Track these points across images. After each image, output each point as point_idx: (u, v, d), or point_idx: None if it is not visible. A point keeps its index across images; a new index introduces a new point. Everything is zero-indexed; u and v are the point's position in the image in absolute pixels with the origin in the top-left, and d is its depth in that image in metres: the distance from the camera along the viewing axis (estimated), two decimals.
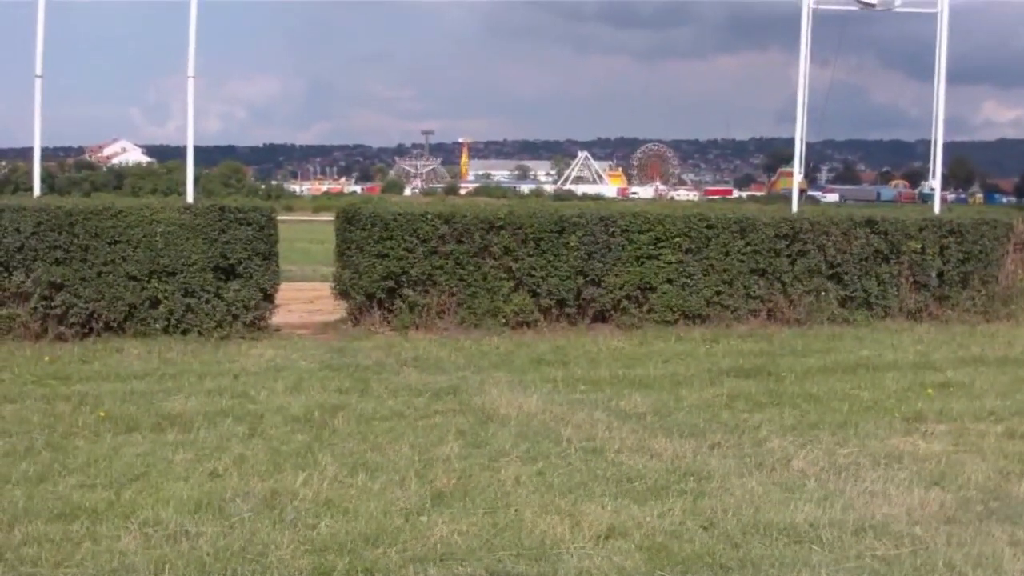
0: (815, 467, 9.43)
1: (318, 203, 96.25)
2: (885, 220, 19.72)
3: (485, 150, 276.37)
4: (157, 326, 16.14)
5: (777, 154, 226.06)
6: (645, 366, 14.57)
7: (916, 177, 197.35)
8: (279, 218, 17.64)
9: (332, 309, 18.00)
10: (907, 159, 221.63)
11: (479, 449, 9.92)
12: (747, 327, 18.10)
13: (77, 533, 7.43)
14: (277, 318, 17.28)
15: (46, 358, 14.22)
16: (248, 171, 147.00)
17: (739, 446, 10.18)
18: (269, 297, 16.91)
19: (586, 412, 11.50)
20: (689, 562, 7.04)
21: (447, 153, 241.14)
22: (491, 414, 11.40)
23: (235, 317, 16.44)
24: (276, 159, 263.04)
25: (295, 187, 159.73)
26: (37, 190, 19.26)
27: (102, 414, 10.98)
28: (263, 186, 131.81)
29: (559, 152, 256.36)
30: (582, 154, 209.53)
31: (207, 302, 16.34)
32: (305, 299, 19.86)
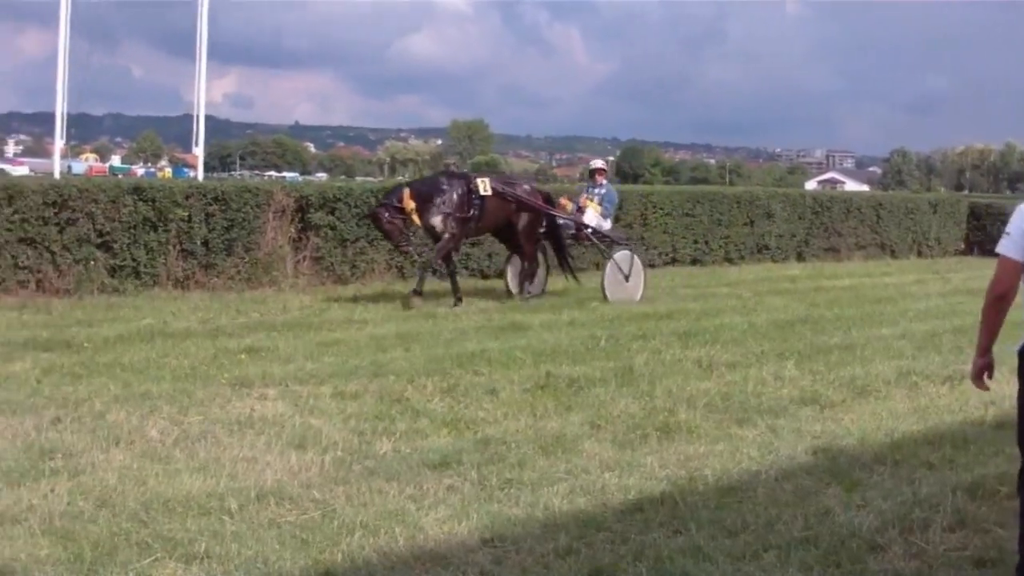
0: (170, 437, 9.07)
1: None
2: (153, 188, 19.47)
3: None
4: None
5: None
6: None
7: (103, 151, 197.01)
8: None
9: None
10: (94, 132, 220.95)
11: None
12: (17, 298, 17.22)
13: None
14: None
15: None
16: None
17: (81, 420, 9.59)
18: None
19: None
20: (104, 544, 6.52)
21: None
22: None
23: None
24: None
25: None
26: None
27: None
28: None
29: None
30: None
31: None
32: None
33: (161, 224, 19.08)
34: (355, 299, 18.80)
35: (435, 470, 8.38)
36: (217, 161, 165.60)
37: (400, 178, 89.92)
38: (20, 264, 17.75)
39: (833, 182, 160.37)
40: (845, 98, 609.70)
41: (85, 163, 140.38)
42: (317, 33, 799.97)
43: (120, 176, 46.07)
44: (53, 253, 17.97)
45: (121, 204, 18.61)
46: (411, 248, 18.68)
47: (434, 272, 19.59)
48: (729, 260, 29.12)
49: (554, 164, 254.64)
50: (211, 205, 19.66)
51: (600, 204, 20.47)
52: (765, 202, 30.61)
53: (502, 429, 9.74)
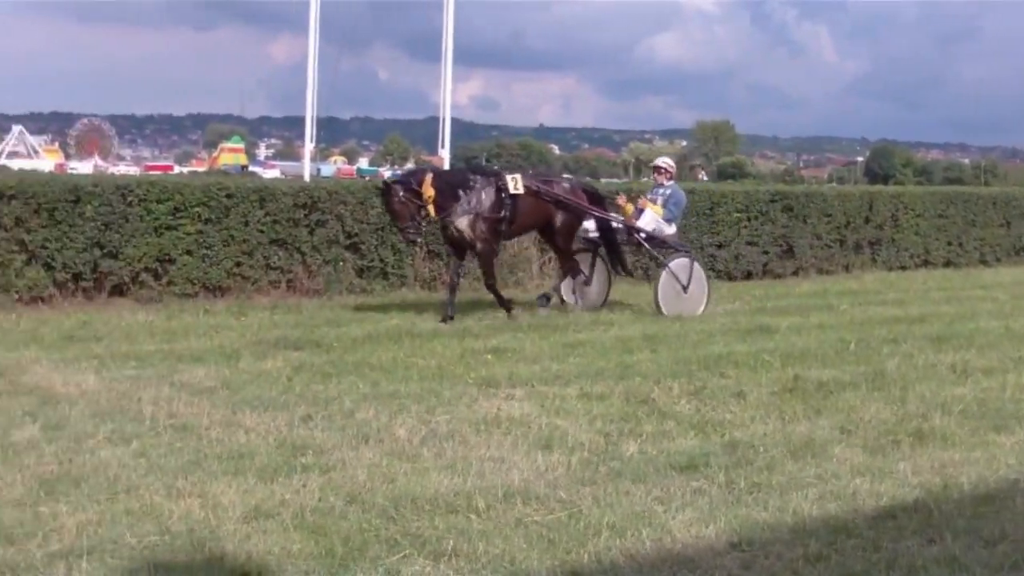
0: (418, 435, 9.16)
1: None
2: None
3: None
4: None
5: (216, 130, 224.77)
6: (187, 339, 13.93)
7: (351, 154, 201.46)
8: None
9: None
10: (342, 135, 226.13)
11: (60, 431, 9.07)
12: (269, 299, 17.71)
13: None
14: None
15: None
16: None
17: (330, 417, 9.78)
18: None
19: (153, 388, 10.77)
20: (354, 539, 6.61)
21: None
22: (50, 394, 10.52)
23: None
24: None
25: None
26: None
27: None
28: None
29: None
30: (16, 127, 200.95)
31: None
32: None
33: None
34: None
35: (682, 472, 8.29)
36: (462, 163, 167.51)
37: (646, 180, 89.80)
38: (272, 265, 18.24)
39: None
40: None
41: (334, 166, 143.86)
42: (561, 35, 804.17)
43: (367, 178, 46.86)
44: (304, 254, 18.43)
45: (369, 206, 18.94)
46: (419, 237, 17.07)
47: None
48: (984, 262, 28.29)
49: (801, 165, 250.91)
50: None
51: (664, 207, 18.01)
52: (1022, 202, 29.64)
53: (749, 432, 9.60)
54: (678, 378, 11.76)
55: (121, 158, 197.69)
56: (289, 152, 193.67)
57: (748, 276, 23.26)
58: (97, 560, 6.20)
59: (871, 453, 9.03)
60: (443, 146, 24.69)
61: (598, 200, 18.06)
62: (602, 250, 18.09)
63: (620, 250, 18.12)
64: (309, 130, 23.90)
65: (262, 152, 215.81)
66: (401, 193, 16.19)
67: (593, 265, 18.12)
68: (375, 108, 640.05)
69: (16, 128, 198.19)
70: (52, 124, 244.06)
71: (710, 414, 10.26)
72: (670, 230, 18.07)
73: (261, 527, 6.82)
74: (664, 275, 17.31)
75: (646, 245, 17.91)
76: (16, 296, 16.24)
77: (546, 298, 17.42)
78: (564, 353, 13.35)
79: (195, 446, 8.72)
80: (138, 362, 12.34)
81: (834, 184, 68.81)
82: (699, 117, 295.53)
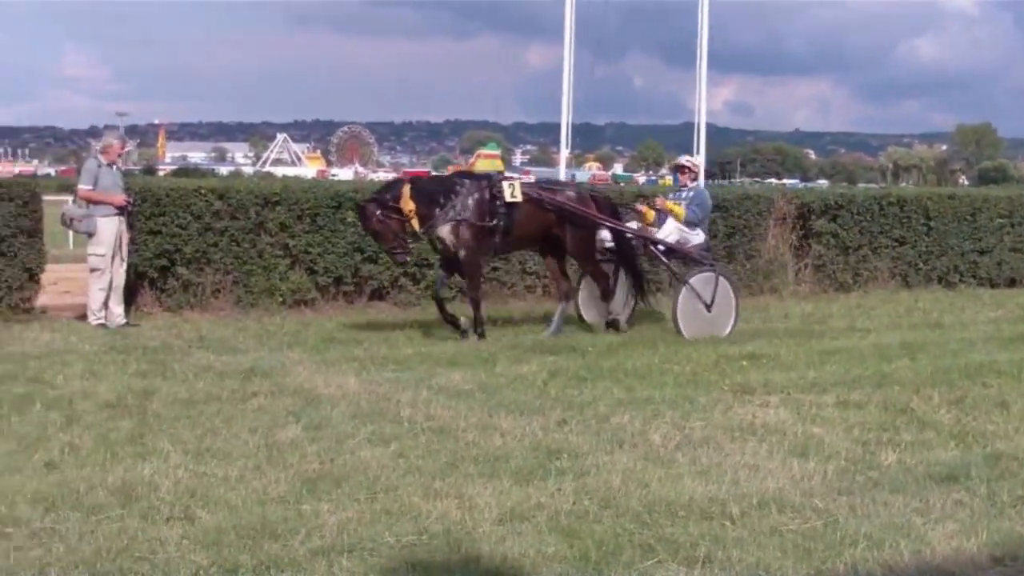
0: (673, 441, 9.15)
1: None
2: (654, 195, 19.74)
3: (180, 132, 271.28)
4: None
5: (472, 136, 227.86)
6: (444, 344, 14.31)
7: (605, 160, 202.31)
8: None
9: (82, 290, 16.79)
10: (596, 141, 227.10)
11: (322, 431, 9.33)
12: (524, 303, 17.97)
13: None
14: None
15: None
16: None
17: (585, 422, 9.84)
18: (35, 277, 15.86)
19: (411, 391, 11.00)
20: (608, 543, 6.64)
21: (141, 135, 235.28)
22: (313, 395, 10.82)
23: None
24: None
25: None
26: None
27: None
28: None
29: (255, 134, 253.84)
30: (281, 136, 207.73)
31: None
32: (46, 280, 18.41)
33: None
34: (858, 307, 18.50)
35: (942, 484, 8.08)
36: (717, 168, 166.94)
37: (904, 185, 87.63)
38: (528, 270, 18.48)
39: None
40: None
41: (588, 171, 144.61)
42: (817, 38, 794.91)
43: (622, 184, 46.88)
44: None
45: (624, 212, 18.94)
46: (408, 257, 15.45)
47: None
48: None
49: None
50: (713, 213, 19.76)
51: (686, 208, 15.90)
52: None
53: (1013, 444, 9.30)
54: (938, 387, 11.47)
55: (380, 165, 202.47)
56: (544, 158, 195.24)
57: (1012, 283, 22.55)
58: (357, 558, 6.35)
59: None
60: (698, 151, 24.58)
61: (611, 210, 16.23)
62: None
63: (639, 271, 16.39)
64: (564, 136, 24.07)
65: (517, 158, 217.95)
66: (379, 212, 14.62)
67: (616, 277, 16.25)
68: (629, 114, 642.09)
69: (281, 136, 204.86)
70: (315, 132, 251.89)
71: (971, 424, 9.99)
72: (697, 238, 16.02)
73: (516, 529, 6.90)
74: (684, 292, 15.29)
75: (663, 260, 16.10)
76: (280, 299, 16.79)
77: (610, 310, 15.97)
78: (820, 360, 13.16)
79: (452, 448, 8.86)
80: (397, 365, 12.62)
81: None
82: (959, 120, 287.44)
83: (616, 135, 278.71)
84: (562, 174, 25.91)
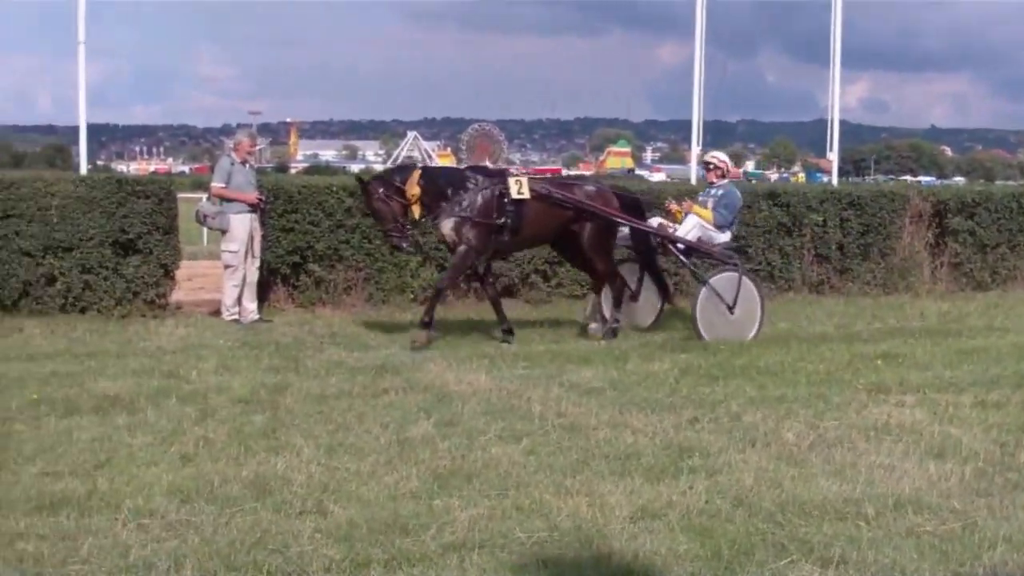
0: (806, 441, 9.02)
1: None
2: (787, 192, 19.62)
3: (311, 130, 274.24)
4: (54, 304, 15.33)
5: (602, 134, 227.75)
6: (575, 341, 14.41)
7: (737, 157, 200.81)
8: None
9: (216, 286, 17.03)
10: (728, 138, 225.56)
11: (453, 428, 9.34)
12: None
13: (68, 527, 6.71)
14: None
15: None
16: (72, 151, 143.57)
17: (717, 420, 9.76)
18: (170, 273, 16.14)
19: (542, 388, 11.00)
20: (741, 543, 6.56)
21: (273, 133, 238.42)
22: (444, 391, 10.86)
23: (135, 294, 15.68)
24: (98, 139, 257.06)
25: (122, 167, 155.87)
26: None
27: (35, 397, 10.19)
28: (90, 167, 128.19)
29: (386, 132, 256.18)
30: (411, 134, 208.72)
31: (106, 279, 15.57)
32: (180, 277, 18.69)
33: (796, 229, 19.23)
34: (996, 306, 18.17)
35: None
36: (850, 165, 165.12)
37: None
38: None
39: None
40: None
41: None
42: (954, 34, 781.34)
43: (754, 181, 46.54)
44: None
45: (756, 209, 18.86)
46: (405, 242, 14.59)
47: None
48: None
49: None
50: (846, 210, 19.60)
51: (713, 210, 15.18)
52: None
53: None
54: None
55: (510, 162, 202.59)
56: (675, 155, 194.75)
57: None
58: (488, 554, 6.34)
59: None
60: (831, 148, 24.27)
61: (635, 207, 15.39)
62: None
63: (660, 273, 15.90)
64: (695, 133, 23.86)
65: (648, 156, 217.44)
66: (381, 190, 14.23)
67: (641, 278, 15.75)
68: (761, 111, 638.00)
69: (411, 134, 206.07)
70: (445, 129, 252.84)
71: None
72: (722, 237, 15.29)
73: (647, 527, 6.85)
74: (704, 293, 14.57)
75: (683, 259, 15.31)
76: (411, 296, 16.89)
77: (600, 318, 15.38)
78: (957, 360, 12.93)
79: (583, 445, 8.84)
80: (527, 362, 12.63)
81: None
82: None
83: (748, 132, 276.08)
84: (693, 172, 25.69)
